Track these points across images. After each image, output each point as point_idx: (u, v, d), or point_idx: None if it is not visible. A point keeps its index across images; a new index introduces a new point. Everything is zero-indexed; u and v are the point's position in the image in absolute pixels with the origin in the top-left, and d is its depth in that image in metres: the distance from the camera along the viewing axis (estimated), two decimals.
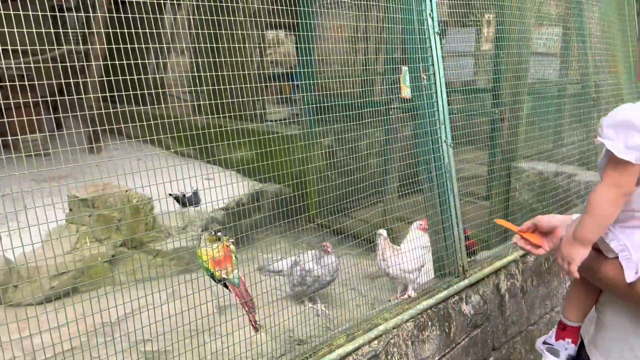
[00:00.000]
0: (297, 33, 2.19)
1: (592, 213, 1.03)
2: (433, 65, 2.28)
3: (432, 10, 2.25)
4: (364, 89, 3.21)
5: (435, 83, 2.28)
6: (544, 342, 1.30)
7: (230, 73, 1.84)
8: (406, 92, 3.06)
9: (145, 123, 1.70)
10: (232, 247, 1.72)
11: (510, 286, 2.56)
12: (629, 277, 1.00)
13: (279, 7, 2.00)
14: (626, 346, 1.13)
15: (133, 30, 1.52)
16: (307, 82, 2.42)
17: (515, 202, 3.66)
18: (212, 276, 1.72)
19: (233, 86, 1.82)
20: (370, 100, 2.88)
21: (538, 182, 3.98)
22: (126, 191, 3.96)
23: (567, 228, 1.12)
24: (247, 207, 3.36)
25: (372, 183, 2.40)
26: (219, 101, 1.81)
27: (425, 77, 2.28)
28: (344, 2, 2.88)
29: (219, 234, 1.64)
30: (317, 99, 2.49)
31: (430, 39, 2.26)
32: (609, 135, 0.98)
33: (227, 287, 1.75)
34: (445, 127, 2.32)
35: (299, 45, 2.25)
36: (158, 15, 1.73)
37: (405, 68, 3.04)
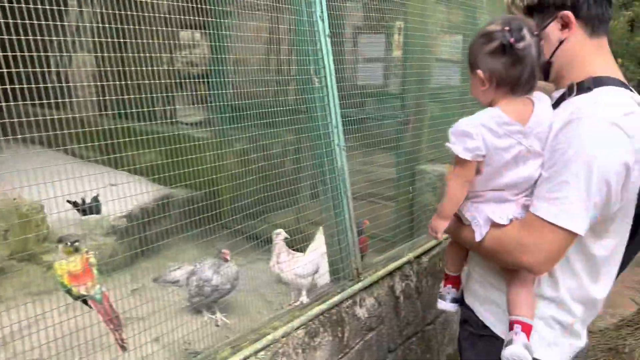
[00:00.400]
0: (207, 31, 2.10)
1: (448, 197, 1.37)
2: (324, 68, 2.26)
3: (322, 12, 2.23)
4: (268, 90, 3.14)
5: (327, 86, 2.26)
6: (438, 292, 1.70)
7: (135, 68, 1.72)
8: None
9: (27, 119, 1.53)
10: (92, 259, 1.59)
11: (405, 287, 2.59)
12: (477, 237, 1.36)
13: (190, 5, 1.89)
14: (483, 287, 1.52)
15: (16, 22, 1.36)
16: (219, 79, 2.33)
17: (418, 202, 3.76)
18: (69, 292, 1.58)
19: (139, 82, 1.70)
20: (277, 103, 2.83)
21: (439, 183, 4.09)
22: (14, 198, 3.66)
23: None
24: (152, 204, 3.16)
25: (285, 186, 2.34)
26: (122, 97, 1.69)
27: (317, 80, 2.26)
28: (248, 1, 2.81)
29: (77, 244, 1.50)
30: (229, 99, 2.41)
31: (320, 41, 2.23)
32: (454, 141, 1.29)
33: (87, 303, 1.61)
34: (337, 131, 2.30)
35: (211, 43, 2.16)
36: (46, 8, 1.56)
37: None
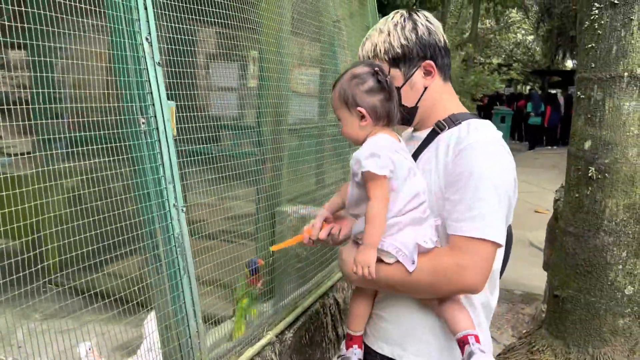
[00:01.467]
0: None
1: (374, 223, 1.34)
2: (154, 105, 1.71)
3: (149, 33, 1.69)
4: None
5: (157, 129, 1.71)
6: (339, 356, 1.60)
7: None
8: None
9: None
10: None
11: None
12: (410, 268, 1.33)
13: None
14: (400, 328, 1.49)
15: None
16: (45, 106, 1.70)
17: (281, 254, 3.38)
18: None
19: None
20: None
21: (301, 226, 3.75)
22: None
23: (347, 249, 1.49)
24: None
25: (127, 230, 1.76)
26: None
27: (143, 121, 1.70)
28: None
29: None
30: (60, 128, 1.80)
31: (148, 70, 1.69)
32: (366, 164, 1.33)
33: None
34: (174, 187, 1.75)
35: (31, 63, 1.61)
36: None
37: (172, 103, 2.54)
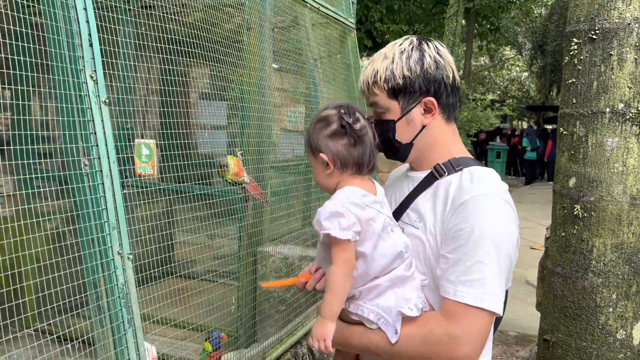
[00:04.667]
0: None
1: (334, 291, 1.23)
2: (97, 145, 1.61)
3: (94, 70, 1.61)
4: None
5: (101, 171, 1.61)
6: None
7: None
8: (142, 168, 2.46)
9: None
10: None
11: None
12: (392, 338, 1.23)
13: None
14: None
15: None
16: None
17: (261, 287, 3.28)
18: None
19: None
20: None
21: (284, 268, 3.65)
22: None
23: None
24: None
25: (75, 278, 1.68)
26: None
27: (86, 162, 1.60)
28: None
29: None
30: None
31: (92, 109, 1.60)
32: (327, 226, 1.20)
33: None
34: (119, 233, 1.64)
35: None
36: None
37: (140, 140, 2.47)
